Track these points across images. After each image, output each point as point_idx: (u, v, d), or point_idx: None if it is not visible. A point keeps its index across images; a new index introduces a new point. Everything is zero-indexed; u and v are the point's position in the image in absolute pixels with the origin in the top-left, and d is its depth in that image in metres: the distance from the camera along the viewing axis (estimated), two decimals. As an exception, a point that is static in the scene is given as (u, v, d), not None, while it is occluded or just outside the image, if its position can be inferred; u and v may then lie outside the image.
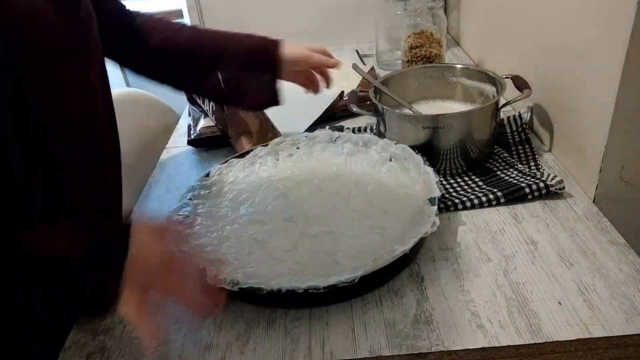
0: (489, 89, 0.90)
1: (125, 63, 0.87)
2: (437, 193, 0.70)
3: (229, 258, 0.67)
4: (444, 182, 0.83)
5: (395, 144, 0.83)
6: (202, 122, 1.09)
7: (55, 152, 0.62)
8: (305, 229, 0.71)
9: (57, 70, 0.60)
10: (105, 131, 0.71)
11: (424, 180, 0.75)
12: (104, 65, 0.72)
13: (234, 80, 0.85)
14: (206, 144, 1.06)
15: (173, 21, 0.86)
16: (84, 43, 0.66)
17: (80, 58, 0.65)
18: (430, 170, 0.75)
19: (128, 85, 1.76)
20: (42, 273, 0.68)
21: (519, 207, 0.76)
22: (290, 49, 0.85)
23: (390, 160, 0.83)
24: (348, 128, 1.03)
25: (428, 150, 0.82)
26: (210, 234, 0.72)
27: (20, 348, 0.67)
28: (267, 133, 1.00)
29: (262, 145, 0.89)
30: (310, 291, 0.59)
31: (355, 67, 0.97)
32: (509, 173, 0.82)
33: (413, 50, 1.17)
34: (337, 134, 0.89)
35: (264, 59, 0.84)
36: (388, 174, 0.80)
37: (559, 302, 0.60)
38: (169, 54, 0.83)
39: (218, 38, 0.84)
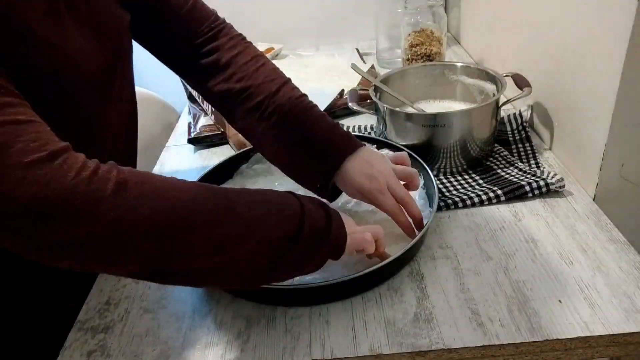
0: (489, 87, 0.90)
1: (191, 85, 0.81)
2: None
3: None
4: (444, 181, 0.83)
5: (377, 148, 0.83)
6: (202, 121, 1.09)
7: None
8: None
9: (91, 110, 0.63)
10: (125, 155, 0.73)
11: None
12: (133, 90, 0.74)
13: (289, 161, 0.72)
14: (206, 143, 1.06)
15: (259, 65, 0.72)
16: (120, 79, 0.68)
17: (114, 94, 0.67)
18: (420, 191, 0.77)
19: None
20: (43, 269, 0.68)
21: (519, 206, 0.76)
22: (352, 183, 0.66)
23: None
24: (348, 127, 1.03)
25: (428, 149, 0.82)
26: None
27: (20, 346, 0.67)
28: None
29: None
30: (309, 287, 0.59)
31: (354, 66, 0.97)
32: (509, 171, 0.82)
33: (413, 49, 1.17)
34: None
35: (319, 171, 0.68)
36: None
37: (559, 300, 0.60)
38: (230, 105, 0.72)
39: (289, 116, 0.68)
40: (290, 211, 0.54)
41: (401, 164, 0.71)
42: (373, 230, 0.61)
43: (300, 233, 0.53)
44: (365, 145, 0.69)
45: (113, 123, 0.68)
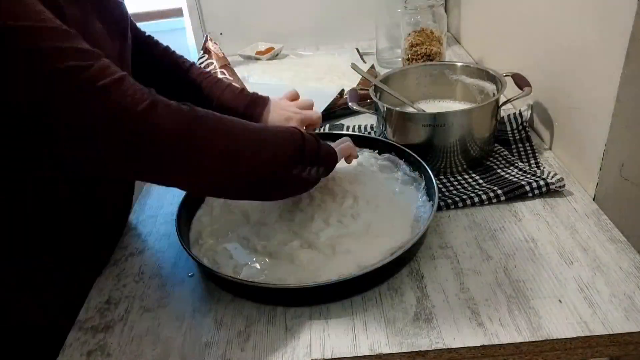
0: (489, 86, 0.90)
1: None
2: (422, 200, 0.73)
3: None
4: (444, 180, 0.83)
5: (379, 153, 0.84)
6: (202, 121, 1.09)
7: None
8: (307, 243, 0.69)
9: None
10: None
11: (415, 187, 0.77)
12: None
13: None
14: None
15: (179, 59, 0.89)
16: (125, 65, 0.69)
17: None
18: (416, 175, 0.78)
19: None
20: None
21: (519, 205, 0.76)
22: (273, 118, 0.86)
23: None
24: (348, 127, 1.03)
25: (428, 149, 0.82)
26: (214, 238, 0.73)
27: (20, 346, 0.67)
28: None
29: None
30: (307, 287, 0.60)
31: (354, 66, 0.97)
32: (509, 171, 0.82)
33: (413, 48, 1.17)
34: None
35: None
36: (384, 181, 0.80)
37: (559, 300, 0.60)
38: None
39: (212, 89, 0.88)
40: (295, 137, 0.66)
41: (302, 106, 0.91)
42: (346, 142, 0.76)
43: (302, 153, 0.65)
44: (268, 97, 0.89)
45: None
